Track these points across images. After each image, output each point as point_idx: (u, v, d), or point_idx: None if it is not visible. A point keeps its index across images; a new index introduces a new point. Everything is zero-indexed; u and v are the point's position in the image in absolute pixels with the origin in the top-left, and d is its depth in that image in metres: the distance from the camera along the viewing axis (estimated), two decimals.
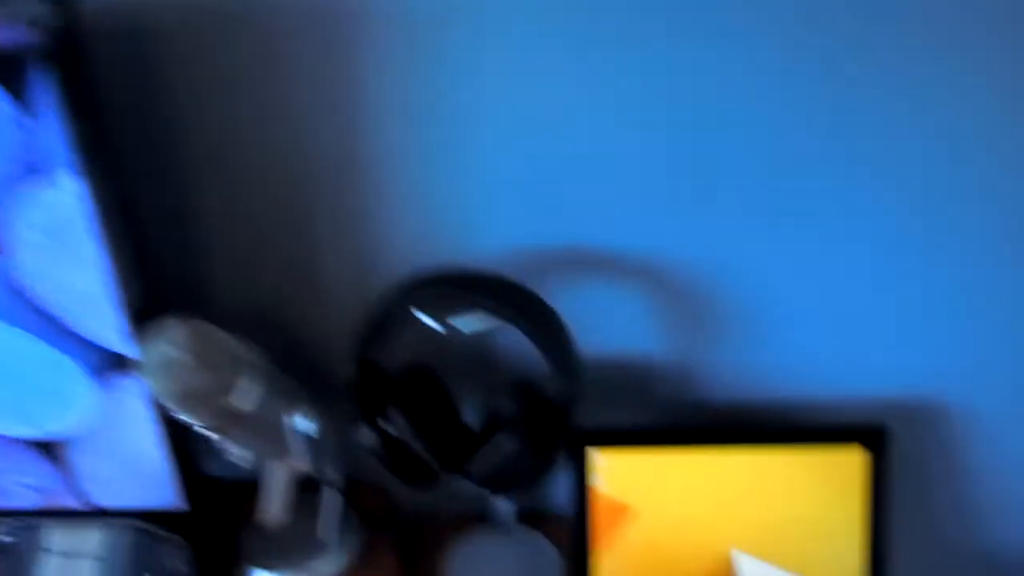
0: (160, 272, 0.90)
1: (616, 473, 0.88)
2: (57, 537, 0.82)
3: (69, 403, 0.80)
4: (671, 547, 0.89)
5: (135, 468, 0.83)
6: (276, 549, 0.90)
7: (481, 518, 1.01)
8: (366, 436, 0.80)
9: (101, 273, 0.72)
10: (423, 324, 0.77)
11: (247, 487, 0.93)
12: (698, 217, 0.85)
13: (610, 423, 0.98)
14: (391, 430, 0.79)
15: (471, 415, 0.90)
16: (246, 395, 0.71)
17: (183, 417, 0.69)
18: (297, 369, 0.88)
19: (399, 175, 0.84)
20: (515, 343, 0.94)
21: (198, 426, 0.71)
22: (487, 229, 0.87)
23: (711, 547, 0.89)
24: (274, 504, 0.90)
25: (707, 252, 0.87)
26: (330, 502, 0.91)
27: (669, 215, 0.85)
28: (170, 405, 0.68)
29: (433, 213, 0.86)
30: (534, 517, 1.05)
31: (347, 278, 0.90)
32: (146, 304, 0.76)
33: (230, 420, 0.71)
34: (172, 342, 0.67)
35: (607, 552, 0.90)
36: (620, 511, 0.89)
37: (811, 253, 0.87)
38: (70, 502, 0.86)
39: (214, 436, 0.73)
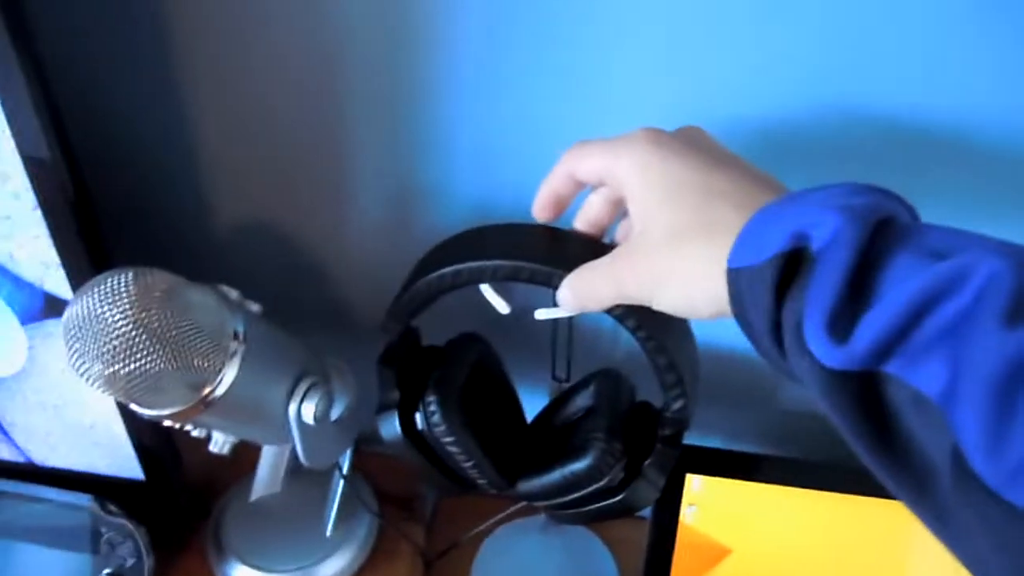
0: (129, 197, 0.65)
1: (714, 506, 0.64)
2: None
3: None
4: None
5: (77, 426, 0.61)
6: (265, 539, 0.68)
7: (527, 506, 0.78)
8: (392, 430, 0.57)
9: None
10: (486, 301, 0.53)
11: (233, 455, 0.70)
12: None
13: (712, 441, 0.74)
14: (428, 427, 0.55)
15: (532, 416, 0.66)
16: (223, 378, 0.48)
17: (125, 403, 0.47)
18: (307, 328, 0.64)
19: (474, 79, 0.57)
20: (603, 327, 0.69)
21: (147, 415, 0.48)
22: None
23: None
24: (265, 481, 0.69)
25: None
26: (338, 483, 0.69)
27: None
28: (103, 390, 0.45)
29: (519, 138, 0.59)
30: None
31: (388, 220, 0.65)
32: (91, 234, 0.52)
33: (196, 409, 0.48)
34: (114, 305, 0.43)
35: None
36: (714, 552, 0.66)
37: None
38: (9, 456, 0.65)
39: (172, 424, 0.50)
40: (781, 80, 0.54)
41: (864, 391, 0.31)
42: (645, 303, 0.41)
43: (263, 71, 0.59)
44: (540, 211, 0.48)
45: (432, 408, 0.54)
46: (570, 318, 0.64)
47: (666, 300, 0.39)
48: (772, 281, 0.33)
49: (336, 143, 0.62)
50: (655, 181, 0.39)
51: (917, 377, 0.29)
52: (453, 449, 0.55)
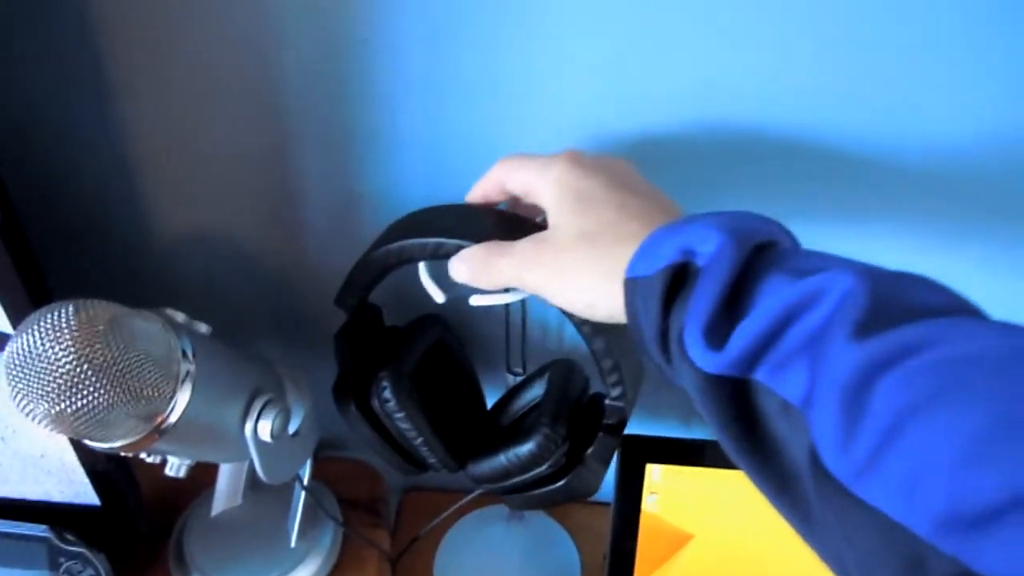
0: (62, 195, 0.63)
1: (675, 493, 0.64)
2: None
3: None
4: None
5: (27, 456, 0.59)
6: (229, 553, 0.67)
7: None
8: (347, 405, 0.56)
9: None
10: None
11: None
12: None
13: (667, 424, 0.74)
14: (379, 403, 0.55)
15: (489, 397, 0.66)
16: (175, 405, 0.46)
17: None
18: (259, 339, 0.63)
19: (419, 85, 0.55)
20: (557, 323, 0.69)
21: (100, 448, 0.46)
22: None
23: None
24: (225, 495, 0.67)
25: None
26: (299, 494, 0.67)
27: None
28: (51, 428, 0.43)
29: (465, 142, 0.58)
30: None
31: (336, 227, 0.64)
32: (24, 260, 0.50)
33: (149, 438, 0.46)
34: (56, 341, 0.41)
35: None
36: (676, 538, 0.66)
37: None
38: None
39: (122, 455, 0.48)
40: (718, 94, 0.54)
41: (736, 396, 0.34)
42: (539, 293, 0.42)
43: (200, 79, 0.57)
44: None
45: (384, 384, 0.55)
46: (523, 315, 0.64)
47: (563, 295, 0.41)
48: (661, 291, 0.35)
49: (278, 150, 0.60)
50: (571, 193, 0.42)
51: (782, 384, 0.32)
52: (403, 426, 0.55)
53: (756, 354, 0.32)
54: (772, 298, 0.32)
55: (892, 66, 0.52)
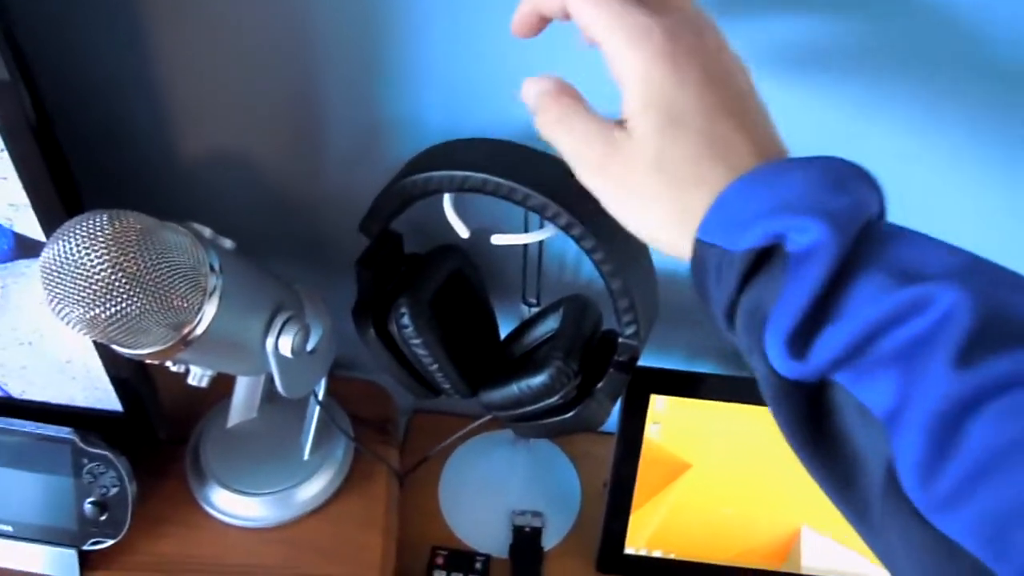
0: (92, 123, 0.63)
1: (677, 424, 0.66)
2: None
3: None
4: (727, 513, 0.70)
5: (53, 361, 0.60)
6: (243, 463, 0.69)
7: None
8: (366, 330, 0.58)
9: None
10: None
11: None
12: None
13: (673, 360, 0.76)
14: (397, 328, 0.57)
15: (503, 326, 0.67)
16: (202, 317, 0.47)
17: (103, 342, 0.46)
18: (279, 262, 0.64)
19: (444, 10, 0.55)
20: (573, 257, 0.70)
21: (127, 354, 0.48)
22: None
23: (776, 520, 0.70)
24: (241, 407, 0.69)
25: None
26: (314, 409, 0.69)
27: None
28: (84, 333, 0.44)
29: (489, 69, 0.58)
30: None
31: (358, 153, 0.64)
32: (58, 172, 0.51)
33: (176, 348, 0.48)
34: (91, 249, 0.42)
35: (650, 509, 0.70)
36: (675, 466, 0.68)
37: None
38: None
39: (147, 363, 0.50)
40: None
41: (811, 396, 0.32)
42: (595, 195, 0.38)
43: (226, 1, 0.57)
44: (518, 27, 0.43)
45: (403, 311, 0.56)
46: (540, 247, 0.65)
47: (624, 215, 0.38)
48: (742, 271, 0.32)
49: (304, 74, 0.60)
50: (662, 108, 0.35)
51: (864, 392, 0.30)
52: (420, 352, 0.57)
53: (840, 362, 0.30)
54: (867, 306, 0.30)
55: None
